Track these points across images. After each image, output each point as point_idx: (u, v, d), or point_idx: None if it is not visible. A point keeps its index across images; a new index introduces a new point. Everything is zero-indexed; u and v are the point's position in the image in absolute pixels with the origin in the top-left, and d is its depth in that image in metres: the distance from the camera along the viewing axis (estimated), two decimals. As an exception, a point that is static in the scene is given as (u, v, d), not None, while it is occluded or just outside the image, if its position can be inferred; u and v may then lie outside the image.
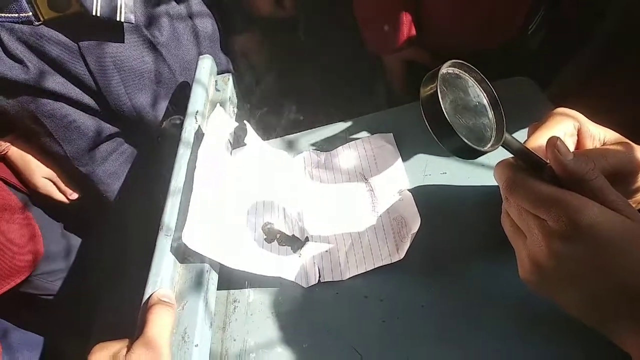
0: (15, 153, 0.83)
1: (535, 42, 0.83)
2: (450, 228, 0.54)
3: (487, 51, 0.82)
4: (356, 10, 0.86)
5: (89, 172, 0.84)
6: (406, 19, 0.83)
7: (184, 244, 0.49)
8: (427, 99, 0.35)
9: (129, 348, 0.41)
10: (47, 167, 0.85)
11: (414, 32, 0.85)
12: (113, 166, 0.85)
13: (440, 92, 0.34)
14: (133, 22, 0.72)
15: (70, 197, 0.89)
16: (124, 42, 0.74)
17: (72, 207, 0.91)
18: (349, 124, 0.69)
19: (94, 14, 0.68)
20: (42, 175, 0.84)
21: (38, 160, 0.83)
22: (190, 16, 0.83)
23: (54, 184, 0.86)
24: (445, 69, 0.36)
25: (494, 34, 0.82)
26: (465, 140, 0.34)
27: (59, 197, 0.88)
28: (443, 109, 0.34)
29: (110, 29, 0.72)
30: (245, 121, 0.64)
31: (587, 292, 0.33)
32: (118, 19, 0.70)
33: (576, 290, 0.34)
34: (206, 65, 0.74)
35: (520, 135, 0.38)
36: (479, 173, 0.58)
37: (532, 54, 0.84)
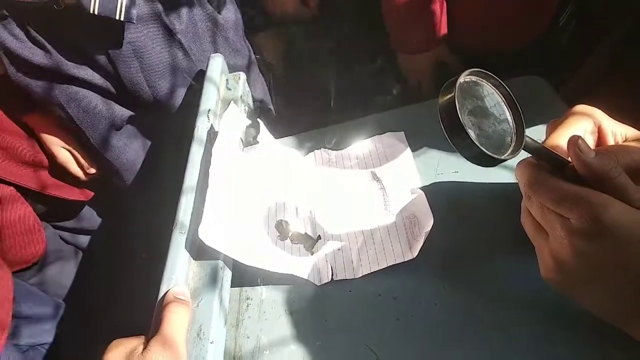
0: (37, 120, 0.83)
1: (565, 37, 0.83)
2: (463, 226, 0.54)
3: (514, 49, 0.82)
4: (386, 10, 0.86)
5: (112, 158, 0.84)
6: (438, 18, 0.83)
7: (199, 241, 0.49)
8: (444, 109, 0.35)
9: (145, 345, 0.42)
10: (69, 141, 0.85)
11: (445, 31, 0.85)
12: (135, 152, 0.86)
13: (458, 101, 0.34)
14: (134, 21, 0.70)
15: (88, 172, 0.89)
16: (116, 53, 0.73)
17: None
18: (360, 122, 0.69)
19: (91, 11, 0.66)
20: (60, 146, 0.84)
21: (59, 133, 0.83)
22: (211, 5, 0.82)
23: (73, 156, 0.86)
24: (462, 77, 0.36)
25: (523, 30, 0.82)
26: (485, 150, 0.34)
27: (76, 170, 0.87)
28: (461, 118, 0.34)
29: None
30: (257, 119, 0.64)
31: (610, 290, 0.33)
32: (117, 17, 0.67)
33: (599, 288, 0.34)
34: (217, 64, 0.74)
35: (534, 134, 0.38)
36: (491, 172, 0.58)
37: (560, 51, 0.84)
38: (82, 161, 0.87)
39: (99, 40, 0.72)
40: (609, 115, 0.40)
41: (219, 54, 0.76)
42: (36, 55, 0.71)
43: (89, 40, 0.72)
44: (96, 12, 0.66)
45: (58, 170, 0.87)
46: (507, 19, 0.81)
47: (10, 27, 0.69)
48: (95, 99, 0.78)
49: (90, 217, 1.02)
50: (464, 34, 0.87)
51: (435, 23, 0.83)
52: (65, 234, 0.99)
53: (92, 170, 0.89)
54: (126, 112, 0.83)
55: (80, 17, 0.67)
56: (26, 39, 0.70)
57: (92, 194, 0.95)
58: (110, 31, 0.71)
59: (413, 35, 0.87)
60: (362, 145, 0.66)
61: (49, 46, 0.71)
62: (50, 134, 0.84)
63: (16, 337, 0.77)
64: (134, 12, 0.69)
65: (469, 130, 0.34)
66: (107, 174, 0.90)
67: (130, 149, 0.86)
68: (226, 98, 0.71)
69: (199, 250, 0.51)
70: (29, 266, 0.85)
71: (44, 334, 0.81)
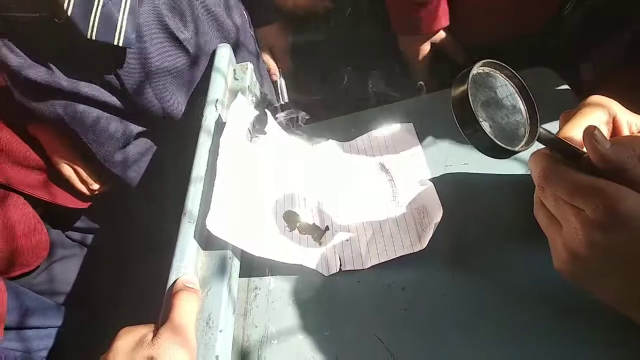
0: (40, 132, 0.82)
1: (572, 25, 0.82)
2: (473, 218, 0.53)
3: (519, 38, 0.81)
4: None
5: (121, 174, 0.82)
6: (440, 2, 0.82)
7: (207, 231, 0.49)
8: (457, 100, 0.35)
9: (155, 333, 0.42)
10: (72, 156, 0.83)
11: (446, 16, 0.85)
12: (142, 165, 0.84)
13: (471, 93, 0.34)
14: (133, 46, 0.66)
15: (92, 187, 0.87)
16: (122, 67, 0.70)
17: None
18: (368, 113, 0.69)
19: (88, 36, 0.62)
20: (64, 161, 0.83)
21: (63, 148, 0.82)
22: (217, 8, 0.79)
23: (76, 172, 0.85)
24: (476, 69, 0.36)
25: (528, 18, 0.81)
26: (498, 142, 0.34)
27: (80, 187, 0.86)
28: (474, 110, 0.34)
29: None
30: (265, 110, 0.64)
31: (625, 282, 0.33)
32: (115, 42, 0.64)
33: (614, 280, 0.34)
34: (224, 54, 0.73)
35: (545, 126, 0.38)
36: (501, 163, 0.57)
37: (567, 43, 0.83)
38: (85, 177, 0.86)
39: (104, 55, 0.68)
40: (623, 106, 0.40)
41: (226, 44, 0.76)
42: (38, 73, 0.67)
43: (93, 55, 0.68)
44: (93, 38, 0.62)
45: (58, 178, 0.86)
46: (510, 5, 0.80)
47: (9, 44, 0.66)
48: (101, 116, 0.74)
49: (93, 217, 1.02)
50: (466, 23, 0.86)
51: (434, 6, 0.83)
52: (73, 235, 0.99)
53: (96, 186, 0.88)
54: (134, 128, 0.80)
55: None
56: (26, 57, 0.67)
57: (89, 203, 0.92)
58: (109, 50, 0.67)
59: (411, 17, 0.87)
60: (370, 137, 0.65)
61: (50, 63, 0.68)
62: (53, 147, 0.82)
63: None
64: (134, 36, 0.65)
65: (482, 122, 0.34)
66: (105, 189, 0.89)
67: (138, 163, 0.84)
68: (234, 88, 0.71)
69: (207, 240, 0.51)
70: (33, 269, 0.85)
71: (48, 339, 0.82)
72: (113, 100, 0.74)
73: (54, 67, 0.68)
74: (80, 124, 0.74)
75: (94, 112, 0.74)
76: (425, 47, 0.90)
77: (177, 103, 0.78)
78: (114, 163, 0.81)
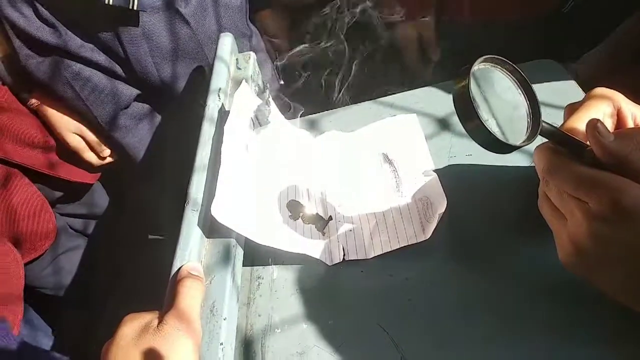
0: (46, 108, 0.83)
1: (575, 12, 0.81)
2: (477, 209, 0.54)
3: (523, 25, 0.80)
4: None
5: (120, 137, 0.84)
6: None
7: (211, 219, 0.49)
8: (458, 96, 0.35)
9: (160, 319, 0.42)
10: (78, 124, 0.84)
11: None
12: (143, 132, 0.87)
13: (472, 88, 0.35)
14: (147, 9, 0.71)
15: (102, 155, 0.88)
16: (126, 35, 0.74)
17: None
18: (372, 104, 0.69)
19: (105, 1, 0.67)
20: (71, 131, 0.84)
21: (68, 115, 0.83)
22: None
23: (85, 140, 0.85)
24: (477, 64, 0.37)
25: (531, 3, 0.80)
26: (499, 137, 0.34)
27: (89, 156, 0.87)
28: (475, 106, 0.34)
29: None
30: (269, 99, 0.63)
31: (629, 274, 0.33)
32: (131, 7, 0.69)
33: (618, 273, 0.34)
34: (227, 43, 0.73)
35: (548, 118, 0.38)
36: (506, 155, 0.57)
37: (572, 27, 0.82)
38: (95, 143, 0.86)
39: (110, 23, 0.73)
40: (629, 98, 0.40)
41: (229, 33, 0.75)
42: (45, 34, 0.71)
43: (100, 22, 0.72)
44: (111, 3, 0.68)
45: (66, 153, 0.87)
46: None
47: (18, 5, 0.70)
48: (102, 78, 0.79)
49: (99, 203, 1.02)
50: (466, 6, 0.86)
51: None
52: (76, 224, 1.00)
53: (107, 152, 0.88)
54: (133, 91, 0.83)
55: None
56: (34, 17, 0.71)
57: (99, 175, 0.94)
58: (121, 14, 0.72)
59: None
60: (373, 128, 0.65)
61: (58, 25, 0.71)
62: (58, 118, 0.83)
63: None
64: (148, 0, 0.70)
65: (484, 118, 0.35)
66: (115, 157, 0.90)
67: (137, 130, 0.86)
68: (236, 77, 0.71)
69: (211, 228, 0.52)
70: (42, 254, 0.85)
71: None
72: (115, 67, 0.78)
73: (61, 30, 0.72)
74: (83, 84, 0.77)
75: (97, 74, 0.78)
76: (412, 34, 0.91)
77: (175, 75, 0.82)
78: (114, 126, 0.83)
